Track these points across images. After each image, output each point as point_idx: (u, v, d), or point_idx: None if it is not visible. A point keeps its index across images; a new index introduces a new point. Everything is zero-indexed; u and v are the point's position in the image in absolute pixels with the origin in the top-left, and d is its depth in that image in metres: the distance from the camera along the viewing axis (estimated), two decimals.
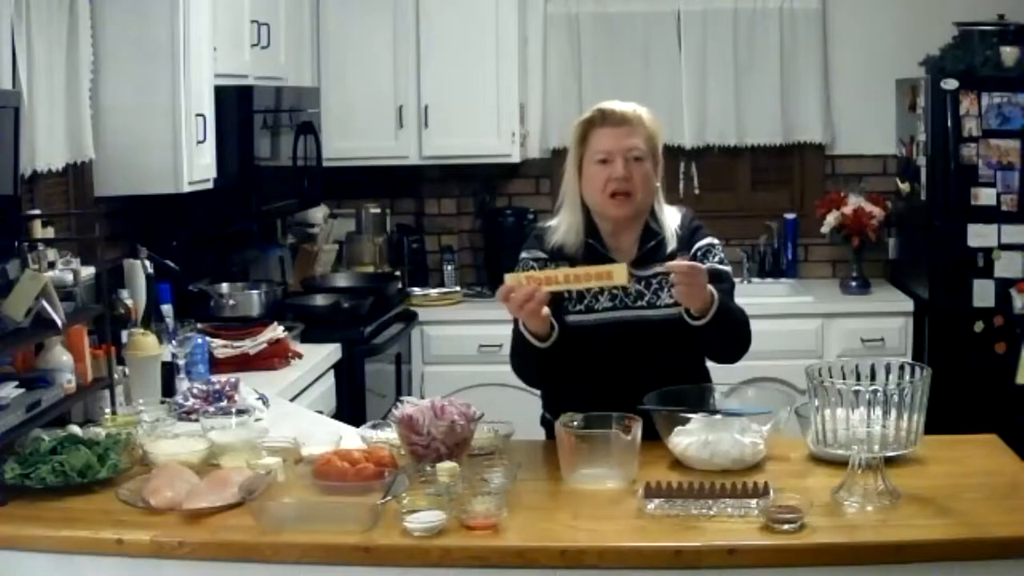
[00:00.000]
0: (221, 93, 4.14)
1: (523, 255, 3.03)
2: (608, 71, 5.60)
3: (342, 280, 5.30)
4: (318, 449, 2.73)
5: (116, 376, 3.26)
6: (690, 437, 2.68)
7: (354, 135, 5.35)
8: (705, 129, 5.62)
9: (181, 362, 3.59)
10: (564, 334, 2.89)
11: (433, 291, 5.45)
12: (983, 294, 4.96)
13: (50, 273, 3.06)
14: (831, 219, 5.38)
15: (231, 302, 4.49)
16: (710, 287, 2.80)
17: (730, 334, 2.92)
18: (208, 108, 4.05)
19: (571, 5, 5.62)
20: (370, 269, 5.47)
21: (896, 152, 5.48)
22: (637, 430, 2.61)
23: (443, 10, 5.33)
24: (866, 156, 5.64)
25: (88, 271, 3.36)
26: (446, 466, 2.54)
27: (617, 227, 2.98)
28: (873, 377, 2.43)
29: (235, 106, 4.22)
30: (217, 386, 3.39)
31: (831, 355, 5.05)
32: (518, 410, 3.09)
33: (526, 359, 2.92)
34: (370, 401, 4.50)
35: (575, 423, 2.66)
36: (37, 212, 3.43)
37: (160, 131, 3.86)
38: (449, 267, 5.64)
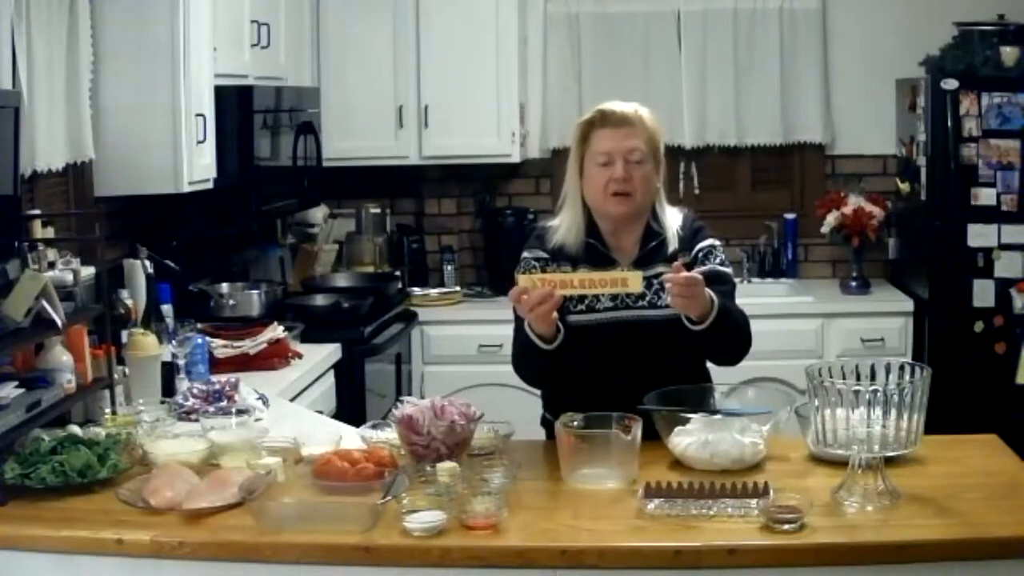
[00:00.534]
0: (221, 93, 4.14)
1: (524, 255, 3.03)
2: (608, 71, 5.60)
3: (342, 280, 5.30)
4: (318, 449, 2.73)
5: (116, 376, 3.26)
6: (690, 437, 2.68)
7: (354, 135, 5.35)
8: (705, 129, 5.62)
9: (181, 362, 3.59)
10: (566, 334, 2.89)
11: (433, 291, 5.45)
12: (983, 294, 4.96)
13: (50, 273, 3.06)
14: (831, 219, 5.38)
15: (231, 302, 4.49)
16: (709, 292, 2.80)
17: (730, 338, 2.92)
18: (208, 108, 4.05)
19: (571, 5, 5.62)
20: (370, 269, 5.47)
21: (896, 152, 5.48)
22: (637, 430, 2.61)
23: (443, 10, 5.33)
24: (866, 156, 5.64)
25: (88, 271, 3.35)
26: (446, 466, 2.54)
27: (618, 227, 2.98)
28: (873, 377, 2.43)
29: (235, 106, 4.22)
30: (217, 386, 3.39)
31: (831, 355, 5.05)
32: (518, 410, 3.09)
33: (530, 361, 2.92)
34: (370, 401, 4.50)
35: (575, 423, 2.66)
36: (37, 212, 3.43)
37: (160, 131, 3.86)
38: (449, 267, 5.64)
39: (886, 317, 5.19)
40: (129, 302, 3.73)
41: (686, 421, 2.72)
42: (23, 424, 2.78)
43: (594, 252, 2.97)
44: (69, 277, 3.13)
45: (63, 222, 3.73)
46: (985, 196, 4.92)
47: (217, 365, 3.78)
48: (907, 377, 2.40)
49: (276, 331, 4.01)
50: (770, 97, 5.58)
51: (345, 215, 5.65)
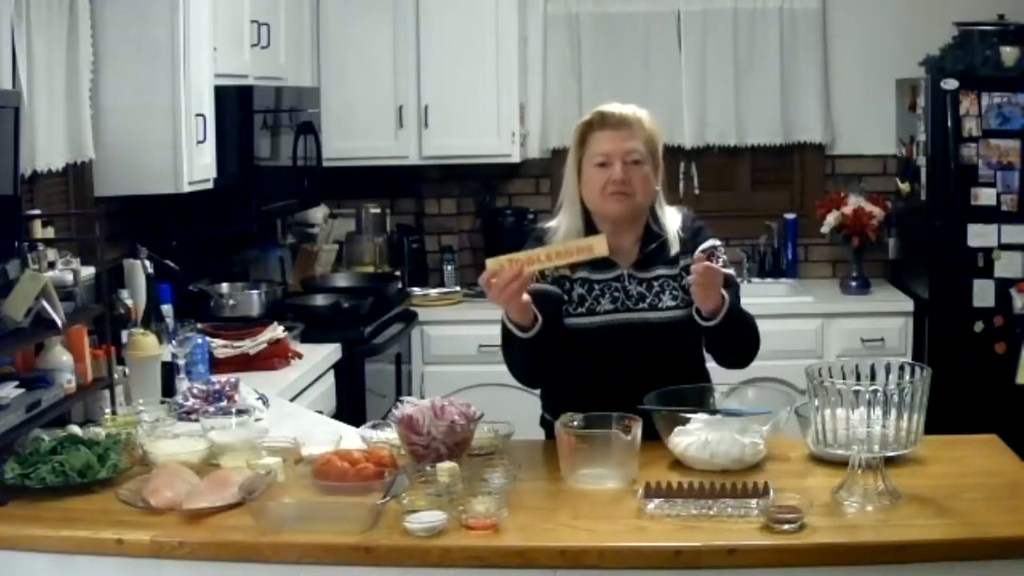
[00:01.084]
0: (221, 93, 4.14)
1: None
2: (608, 71, 5.60)
3: (342, 280, 5.30)
4: (318, 449, 2.73)
5: (116, 376, 3.27)
6: (690, 437, 2.68)
7: (354, 135, 5.35)
8: (705, 129, 5.62)
9: (181, 362, 3.59)
10: (565, 336, 2.88)
11: (433, 291, 5.45)
12: (983, 294, 4.96)
13: (50, 273, 3.07)
14: (831, 219, 5.38)
15: (231, 302, 4.49)
16: (722, 291, 2.80)
17: (739, 336, 2.92)
18: (208, 108, 4.04)
19: (571, 5, 5.62)
20: (370, 269, 5.47)
21: (896, 152, 5.48)
22: (637, 430, 2.61)
23: (443, 10, 5.33)
24: (866, 156, 5.64)
25: (88, 271, 3.35)
26: (446, 466, 2.54)
27: (617, 228, 2.97)
28: (873, 377, 2.43)
29: (235, 106, 4.22)
30: (217, 386, 3.39)
31: (831, 355, 5.06)
32: (518, 410, 3.09)
33: (513, 352, 2.90)
34: (370, 401, 4.50)
35: (575, 423, 2.66)
36: (37, 212, 3.43)
37: (160, 131, 3.86)
38: (449, 267, 5.64)
39: (886, 317, 5.19)
40: (129, 302, 3.73)
41: (686, 421, 2.72)
42: (23, 424, 2.78)
43: None
44: (69, 277, 3.13)
45: (63, 222, 3.73)
46: (985, 196, 4.92)
47: (217, 365, 3.78)
48: (907, 377, 2.40)
49: (276, 331, 4.01)
50: (770, 97, 5.58)
51: (345, 215, 5.65)
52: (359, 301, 4.72)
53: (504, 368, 3.03)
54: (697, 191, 5.69)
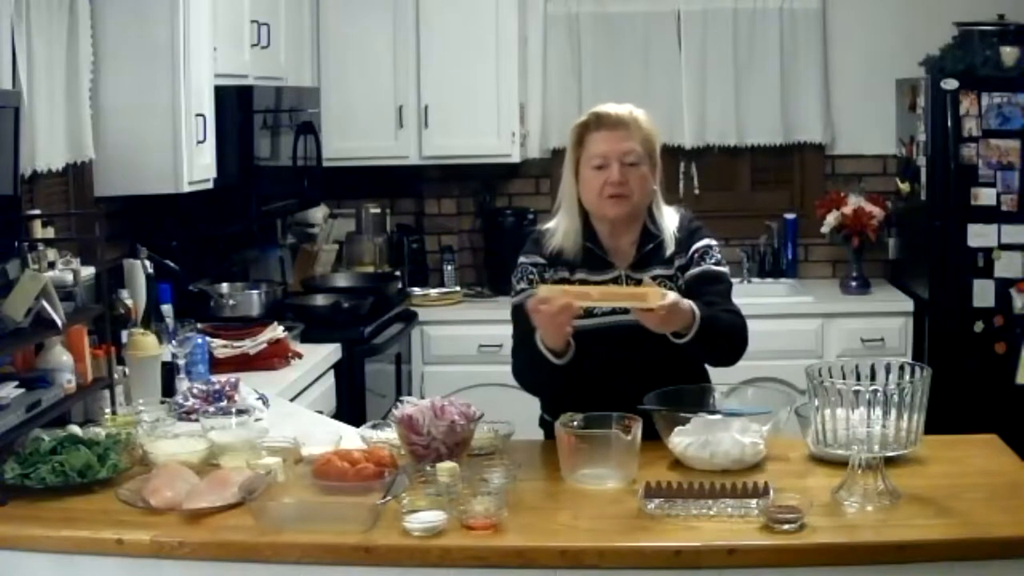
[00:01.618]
0: (221, 93, 4.14)
1: (521, 260, 3.02)
2: (608, 71, 5.60)
3: (342, 280, 5.30)
4: (318, 449, 2.73)
5: (116, 376, 3.26)
6: (690, 437, 2.68)
7: (354, 135, 5.35)
8: (705, 129, 5.62)
9: (181, 362, 3.59)
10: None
11: (433, 291, 5.45)
12: (983, 294, 4.96)
13: (50, 273, 3.06)
14: (831, 219, 5.38)
15: (231, 302, 4.49)
16: (690, 304, 2.79)
17: (718, 345, 2.90)
18: (208, 108, 4.05)
19: (571, 5, 5.62)
20: (370, 269, 5.47)
21: (896, 152, 5.48)
22: (637, 430, 2.61)
23: (443, 10, 5.33)
24: (866, 156, 5.64)
25: (88, 271, 3.36)
26: (446, 466, 2.54)
27: (615, 229, 2.97)
28: (873, 377, 2.43)
29: (235, 106, 4.22)
30: (217, 386, 3.39)
31: (831, 355, 5.05)
32: (518, 410, 3.09)
33: (537, 373, 2.89)
34: (370, 401, 4.50)
35: (575, 423, 2.66)
36: (37, 212, 3.42)
37: (160, 131, 3.86)
38: (449, 267, 5.64)
39: (886, 317, 5.19)
40: (129, 302, 3.73)
41: (686, 421, 2.72)
42: (23, 424, 2.78)
43: (591, 255, 2.97)
44: (69, 277, 3.13)
45: (63, 222, 3.72)
46: (985, 196, 4.92)
47: (217, 365, 3.78)
48: (907, 377, 2.40)
49: (276, 331, 4.01)
50: (770, 97, 5.58)
51: (345, 215, 5.65)
52: (359, 301, 4.72)
53: (504, 368, 3.04)
54: (697, 191, 5.69)
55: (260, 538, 2.34)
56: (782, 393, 3.32)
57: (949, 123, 4.92)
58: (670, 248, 2.98)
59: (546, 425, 3.05)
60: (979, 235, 4.94)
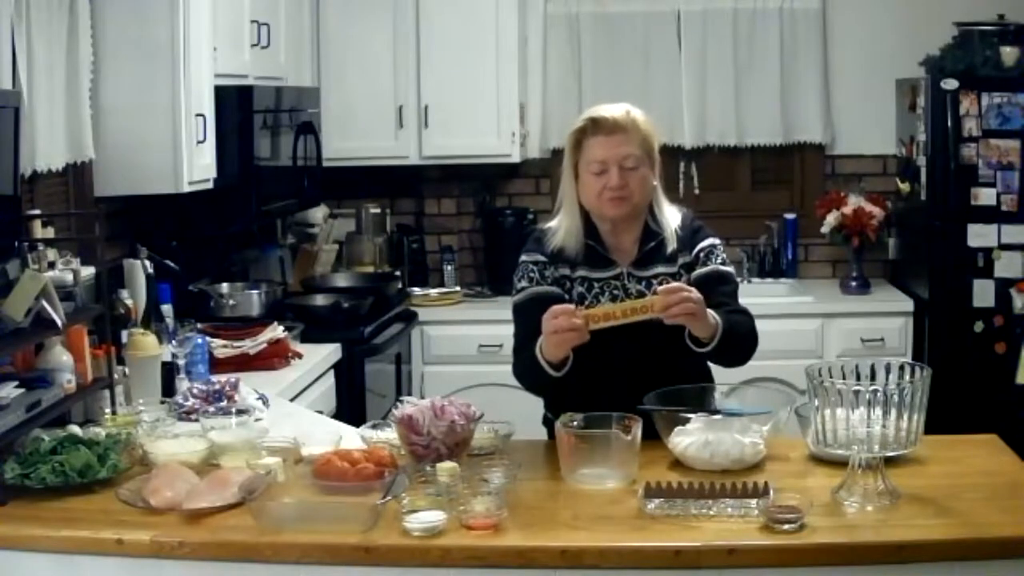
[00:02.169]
0: (221, 93, 4.14)
1: (523, 258, 3.01)
2: (608, 71, 5.60)
3: (342, 280, 5.30)
4: (318, 449, 2.73)
5: (116, 376, 3.26)
6: (690, 437, 2.68)
7: (354, 135, 5.35)
8: (705, 129, 5.62)
9: (181, 362, 3.60)
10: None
11: (433, 291, 5.45)
12: (983, 294, 4.95)
13: (50, 273, 3.06)
14: (831, 219, 5.38)
15: (231, 302, 4.49)
16: (711, 313, 2.79)
17: (736, 349, 2.92)
18: (208, 108, 4.04)
19: (571, 5, 5.62)
20: (370, 269, 5.47)
21: (896, 152, 5.48)
22: (637, 430, 2.61)
23: (443, 10, 5.33)
24: (866, 156, 5.64)
25: (88, 271, 3.36)
26: (446, 466, 2.54)
27: (616, 227, 2.98)
28: (873, 377, 2.43)
29: (235, 106, 4.22)
30: (217, 386, 3.39)
31: (831, 355, 5.05)
32: (518, 410, 3.09)
33: (533, 379, 2.90)
34: (370, 401, 4.50)
35: (575, 423, 2.66)
36: (37, 212, 3.42)
37: (160, 131, 3.86)
38: (449, 267, 5.64)
39: (886, 317, 5.19)
40: (129, 302, 3.73)
41: (686, 421, 2.72)
42: (23, 424, 2.78)
43: (593, 253, 2.97)
44: (69, 277, 3.13)
45: (63, 222, 3.73)
46: (985, 196, 4.92)
47: (217, 365, 3.78)
48: (907, 377, 2.40)
49: (276, 331, 4.02)
50: (770, 97, 5.58)
51: (345, 215, 5.65)
52: (359, 301, 4.72)
53: (504, 368, 3.04)
54: (697, 191, 5.69)
55: (260, 538, 2.34)
56: (782, 393, 3.32)
57: (949, 123, 4.92)
58: (672, 245, 2.98)
59: (549, 424, 3.05)
60: (979, 235, 4.94)
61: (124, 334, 3.52)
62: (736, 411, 2.80)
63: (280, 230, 5.36)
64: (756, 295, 5.19)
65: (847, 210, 5.33)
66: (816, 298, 5.31)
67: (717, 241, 3.02)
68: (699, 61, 5.58)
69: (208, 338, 3.81)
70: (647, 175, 2.93)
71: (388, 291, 5.08)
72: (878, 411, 2.37)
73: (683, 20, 5.57)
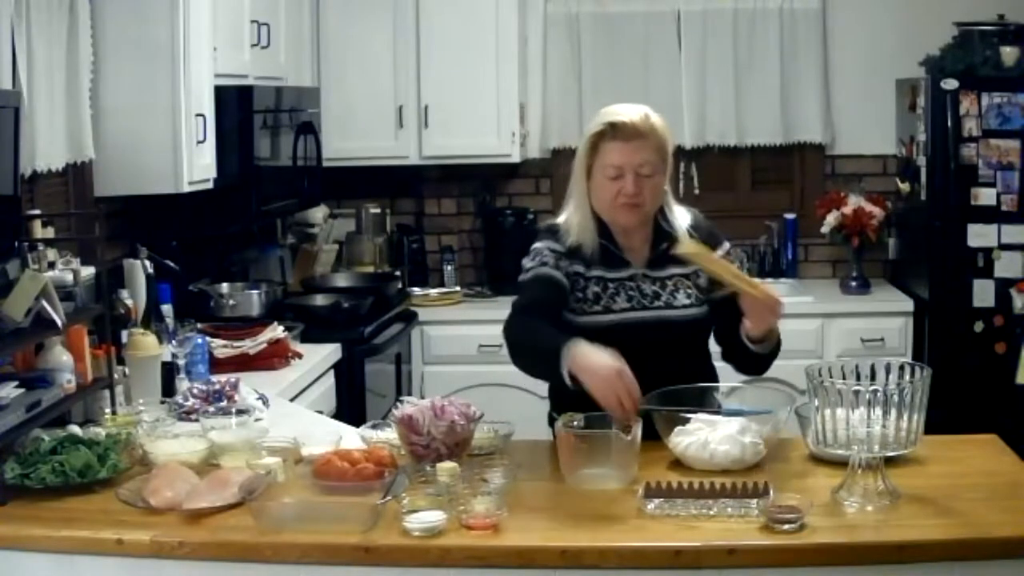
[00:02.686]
0: (221, 93, 4.14)
1: (537, 245, 2.97)
2: (608, 71, 5.60)
3: (342, 280, 5.30)
4: (318, 449, 2.73)
5: (116, 376, 3.26)
6: (690, 437, 2.68)
7: (354, 135, 5.35)
8: (705, 129, 5.62)
9: (181, 362, 3.59)
10: (580, 333, 2.81)
11: (433, 291, 5.45)
12: (983, 294, 4.96)
13: (50, 273, 3.06)
14: (831, 219, 5.38)
15: (231, 302, 4.49)
16: None
17: (773, 356, 2.97)
18: (208, 108, 4.05)
19: (571, 5, 5.62)
20: (370, 269, 5.47)
21: (896, 152, 5.48)
22: (637, 430, 2.61)
23: (443, 10, 5.33)
24: (866, 156, 5.64)
25: (88, 271, 3.35)
26: (446, 466, 2.54)
27: (627, 230, 2.98)
28: (873, 377, 2.43)
29: (235, 106, 4.22)
30: (217, 386, 3.39)
31: (831, 355, 5.05)
32: (519, 410, 3.10)
33: (538, 366, 2.84)
34: (370, 401, 4.50)
35: (575, 423, 2.66)
36: (37, 212, 3.42)
37: (160, 131, 3.86)
38: (449, 267, 5.64)
39: (886, 317, 5.19)
40: (129, 302, 3.73)
41: (686, 421, 2.72)
42: (23, 424, 2.78)
43: (607, 253, 2.96)
44: (69, 277, 3.13)
45: (63, 222, 3.72)
46: (985, 196, 4.92)
47: (217, 365, 3.78)
48: (907, 377, 2.40)
49: (276, 331, 4.02)
50: (770, 97, 5.58)
51: (345, 215, 5.66)
52: (359, 301, 4.72)
53: (504, 368, 3.02)
54: (697, 191, 5.69)
55: (260, 538, 2.34)
56: (782, 393, 3.31)
57: (949, 123, 4.92)
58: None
59: (554, 423, 3.04)
60: (979, 235, 4.94)
61: (124, 334, 3.52)
62: (736, 411, 2.80)
63: (280, 230, 5.36)
64: None
65: (847, 210, 5.33)
66: (816, 298, 5.31)
67: (728, 244, 3.05)
68: (699, 61, 5.58)
69: (208, 338, 3.81)
70: (661, 182, 2.93)
71: (388, 291, 5.08)
72: (878, 411, 2.37)
73: (683, 20, 5.58)
